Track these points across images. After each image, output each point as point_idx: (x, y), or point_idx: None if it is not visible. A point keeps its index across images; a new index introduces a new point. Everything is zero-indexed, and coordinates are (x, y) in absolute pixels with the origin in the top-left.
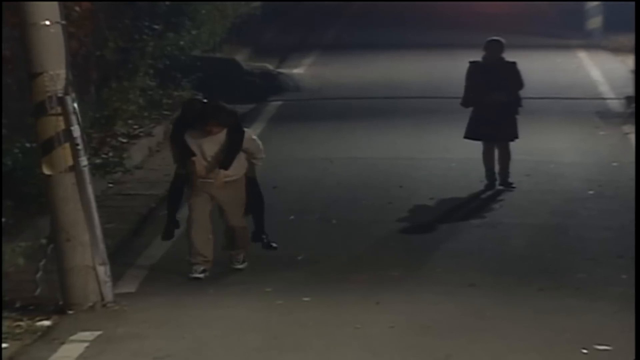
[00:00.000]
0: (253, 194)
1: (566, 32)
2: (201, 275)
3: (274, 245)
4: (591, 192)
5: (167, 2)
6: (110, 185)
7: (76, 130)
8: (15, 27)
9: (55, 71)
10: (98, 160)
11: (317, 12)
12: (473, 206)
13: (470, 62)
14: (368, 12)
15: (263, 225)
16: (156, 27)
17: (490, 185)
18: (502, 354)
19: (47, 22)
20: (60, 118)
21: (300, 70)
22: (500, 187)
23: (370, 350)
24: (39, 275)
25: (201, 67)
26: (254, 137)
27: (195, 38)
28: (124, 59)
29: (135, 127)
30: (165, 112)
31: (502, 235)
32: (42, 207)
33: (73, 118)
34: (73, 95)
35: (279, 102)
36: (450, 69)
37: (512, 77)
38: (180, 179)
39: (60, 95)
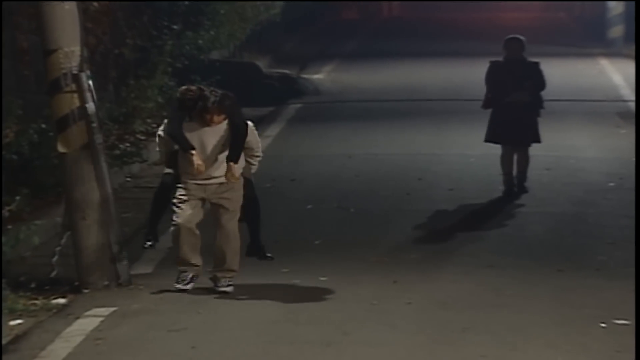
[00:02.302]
0: (248, 198)
1: (588, 41)
2: (188, 287)
3: (270, 255)
4: (612, 184)
5: (186, 2)
6: (128, 179)
7: (91, 108)
8: (32, 19)
9: (70, 48)
10: (116, 151)
11: (338, 25)
12: (491, 197)
13: (491, 62)
14: (388, 25)
15: (259, 235)
16: (175, 27)
17: (508, 191)
18: (520, 328)
19: None
20: (75, 95)
21: (320, 75)
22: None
23: (387, 324)
24: (55, 258)
25: (220, 70)
26: (255, 130)
27: (214, 38)
28: (143, 57)
29: (154, 125)
30: None
31: (521, 222)
32: (60, 196)
33: (88, 95)
34: (88, 72)
35: (299, 105)
36: (469, 74)
37: (534, 76)
38: (169, 183)
39: (75, 72)
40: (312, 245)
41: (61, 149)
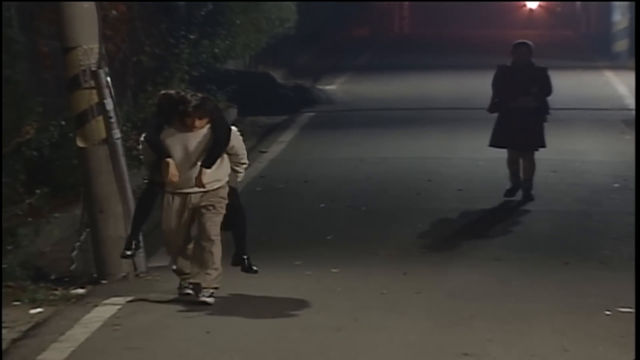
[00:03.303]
0: (233, 207)
1: (594, 55)
2: (192, 292)
3: (255, 268)
4: (616, 185)
5: (203, 13)
6: (145, 180)
7: (109, 104)
8: (53, 24)
9: (88, 45)
10: (134, 152)
11: (350, 41)
12: (499, 197)
13: (499, 66)
14: (399, 42)
15: (245, 245)
16: (192, 36)
17: (513, 189)
18: (526, 315)
19: None
20: (94, 91)
21: (333, 86)
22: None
23: (396, 311)
24: (74, 253)
25: (236, 79)
26: (240, 135)
27: (229, 47)
28: (160, 65)
29: None
30: None
31: (528, 219)
32: (79, 196)
33: (106, 91)
34: (106, 69)
35: (312, 113)
36: (478, 84)
37: (541, 82)
38: (154, 192)
39: (93, 69)
40: (324, 240)
41: (80, 143)
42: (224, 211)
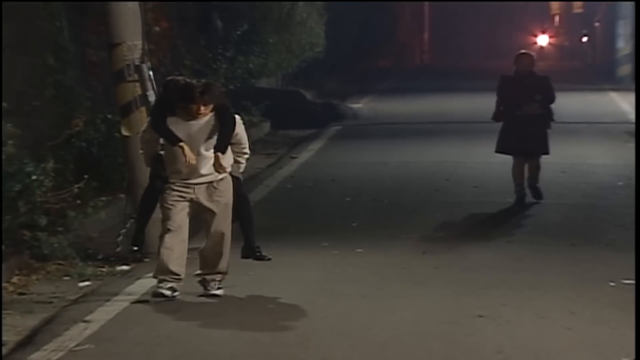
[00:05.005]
0: (237, 196)
1: (599, 80)
2: (168, 293)
3: (267, 256)
4: (620, 183)
5: (238, 32)
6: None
7: (151, 96)
8: (101, 35)
9: (132, 41)
10: None
11: (374, 71)
12: (512, 192)
13: (501, 76)
14: (420, 70)
15: (253, 236)
16: (228, 54)
17: (519, 200)
18: (537, 285)
19: None
20: (137, 84)
21: (359, 105)
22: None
23: (416, 282)
24: (120, 238)
25: (268, 95)
26: (242, 124)
27: (263, 64)
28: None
29: None
30: None
31: (538, 210)
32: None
33: (149, 84)
34: (148, 63)
35: (339, 127)
36: (492, 103)
37: (543, 90)
38: (159, 187)
39: (137, 63)
40: (349, 226)
41: (124, 132)
42: (231, 203)
